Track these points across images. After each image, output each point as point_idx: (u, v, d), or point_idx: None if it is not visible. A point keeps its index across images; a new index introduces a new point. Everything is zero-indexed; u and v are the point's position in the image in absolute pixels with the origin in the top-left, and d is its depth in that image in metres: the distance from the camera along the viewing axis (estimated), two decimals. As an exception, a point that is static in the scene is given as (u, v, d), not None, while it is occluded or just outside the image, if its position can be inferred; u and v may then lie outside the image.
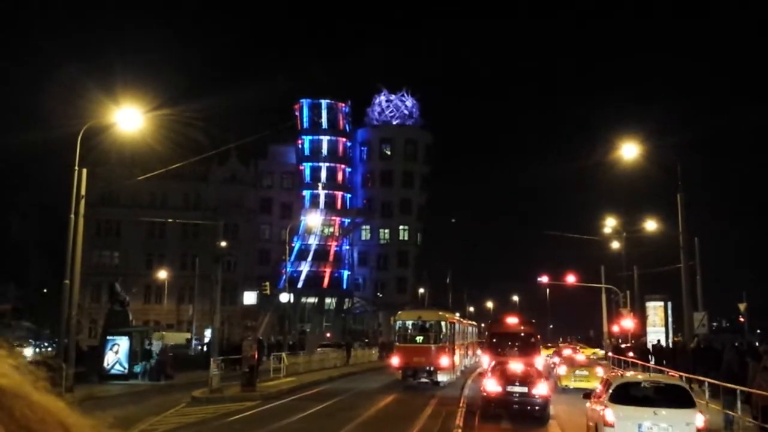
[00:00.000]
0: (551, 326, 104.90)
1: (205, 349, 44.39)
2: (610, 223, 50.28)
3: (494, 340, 33.47)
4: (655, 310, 43.76)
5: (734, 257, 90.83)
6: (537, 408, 20.49)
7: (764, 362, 16.75)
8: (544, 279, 64.53)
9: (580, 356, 34.88)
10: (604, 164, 35.83)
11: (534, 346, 32.54)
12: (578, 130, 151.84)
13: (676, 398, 13.70)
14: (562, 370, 30.04)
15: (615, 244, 50.62)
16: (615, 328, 52.29)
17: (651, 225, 45.32)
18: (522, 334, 32.99)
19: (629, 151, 31.35)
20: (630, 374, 18.46)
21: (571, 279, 58.39)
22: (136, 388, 29.08)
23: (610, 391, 13.99)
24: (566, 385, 28.42)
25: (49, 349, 58.36)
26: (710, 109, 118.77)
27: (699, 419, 13.33)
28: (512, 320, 34.02)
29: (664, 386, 14.32)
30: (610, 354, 43.91)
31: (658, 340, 40.06)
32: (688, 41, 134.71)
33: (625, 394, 13.90)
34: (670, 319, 43.43)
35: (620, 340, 48.55)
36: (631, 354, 38.39)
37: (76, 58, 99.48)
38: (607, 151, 33.52)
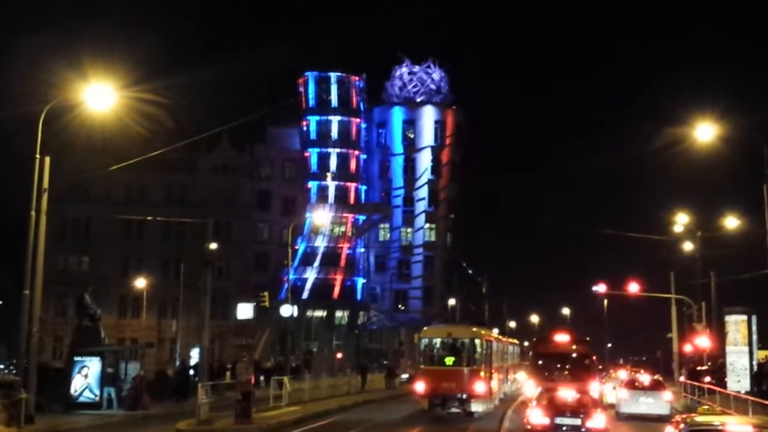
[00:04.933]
0: (609, 345, 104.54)
1: (191, 372, 44.63)
2: (681, 220, 49.84)
3: (540, 362, 33.43)
4: (737, 325, 43.15)
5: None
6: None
7: None
8: (600, 288, 64.20)
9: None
10: (674, 149, 35.50)
11: (588, 369, 32.46)
12: (641, 108, 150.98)
13: None
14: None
15: (688, 246, 50.21)
16: (687, 348, 51.95)
17: (732, 222, 44.88)
18: (574, 355, 32.93)
19: (704, 131, 31.01)
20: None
21: (633, 288, 58.04)
22: (109, 419, 29.29)
23: None
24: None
25: (5, 371, 58.89)
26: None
27: None
28: (562, 338, 33.93)
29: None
30: (682, 379, 43.62)
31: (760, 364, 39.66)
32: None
33: None
34: (754, 337, 42.97)
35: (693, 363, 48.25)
36: (707, 379, 38.11)
37: (38, 24, 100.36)
38: (678, 132, 33.19)
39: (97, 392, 32.08)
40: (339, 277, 79.20)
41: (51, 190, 27.87)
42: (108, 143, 64.20)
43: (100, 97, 27.16)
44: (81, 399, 31.92)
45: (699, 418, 14.73)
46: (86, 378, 32.27)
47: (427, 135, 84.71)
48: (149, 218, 66.12)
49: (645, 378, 34.66)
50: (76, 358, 32.93)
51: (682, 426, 13.74)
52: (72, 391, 32.06)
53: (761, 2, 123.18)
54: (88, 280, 58.55)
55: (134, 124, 41.85)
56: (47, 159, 27.35)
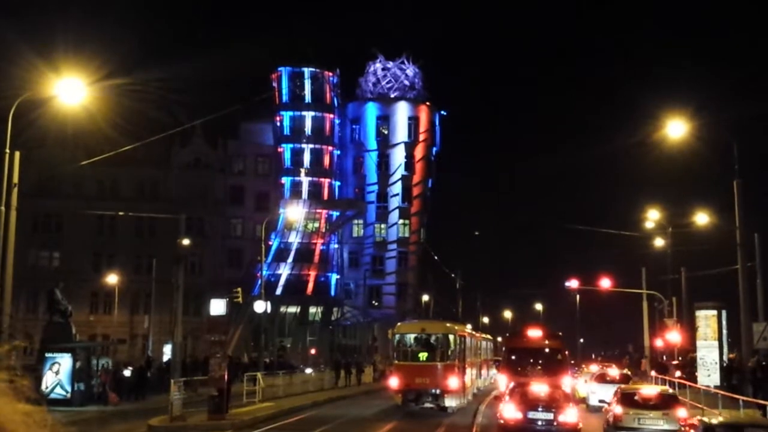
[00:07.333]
0: (581, 340, 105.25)
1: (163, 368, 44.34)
2: (652, 216, 50.26)
3: (513, 357, 33.62)
4: (707, 320, 43.68)
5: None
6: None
7: None
8: (572, 284, 64.68)
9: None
10: (646, 146, 35.79)
11: (561, 363, 32.68)
12: (614, 105, 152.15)
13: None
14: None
15: (659, 242, 50.62)
16: (659, 342, 52.40)
17: (702, 218, 45.32)
18: (546, 350, 33.15)
19: (676, 128, 31.27)
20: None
21: (605, 283, 58.51)
22: (80, 415, 29.07)
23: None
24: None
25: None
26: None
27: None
28: (535, 333, 34.15)
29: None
30: (653, 374, 44.00)
31: (730, 359, 40.13)
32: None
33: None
34: (724, 332, 43.46)
35: (665, 356, 48.68)
36: (678, 374, 38.51)
37: (7, 15, 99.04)
38: (649, 129, 33.46)
39: (69, 389, 31.88)
40: (313, 273, 79.11)
41: (21, 184, 27.61)
42: (79, 138, 63.74)
43: (71, 91, 26.92)
44: (52, 395, 31.66)
45: (629, 387, 24.58)
46: (57, 374, 32.05)
47: (400, 131, 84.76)
48: (121, 213, 65.70)
49: (614, 372, 36.17)
50: (47, 355, 32.71)
51: (618, 393, 22.26)
52: (43, 387, 31.80)
53: (737, 3, 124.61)
54: (59, 275, 58.06)
55: (106, 118, 41.54)
56: (17, 154, 27.08)
